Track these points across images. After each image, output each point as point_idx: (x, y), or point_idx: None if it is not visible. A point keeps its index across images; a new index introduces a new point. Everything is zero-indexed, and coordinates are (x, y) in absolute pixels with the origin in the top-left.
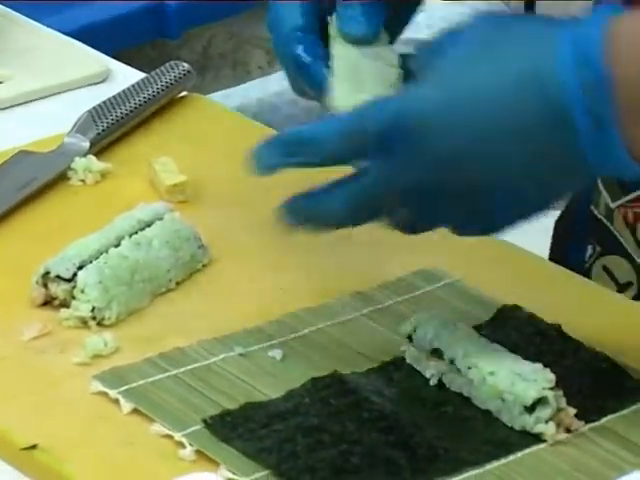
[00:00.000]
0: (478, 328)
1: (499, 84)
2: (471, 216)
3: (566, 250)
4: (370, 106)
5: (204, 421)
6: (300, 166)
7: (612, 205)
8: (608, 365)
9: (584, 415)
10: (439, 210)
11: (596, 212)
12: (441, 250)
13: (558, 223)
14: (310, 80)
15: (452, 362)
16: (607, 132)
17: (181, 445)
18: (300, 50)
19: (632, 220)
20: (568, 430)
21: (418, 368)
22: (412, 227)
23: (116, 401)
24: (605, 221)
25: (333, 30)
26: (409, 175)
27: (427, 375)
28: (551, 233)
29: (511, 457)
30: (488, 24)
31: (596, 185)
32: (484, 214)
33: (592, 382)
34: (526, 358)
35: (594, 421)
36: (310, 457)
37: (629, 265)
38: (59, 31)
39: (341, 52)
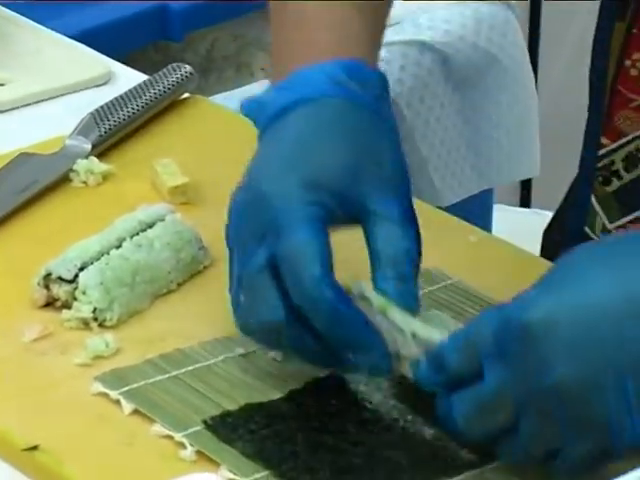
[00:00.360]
0: None
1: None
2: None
3: None
4: (485, 313)
5: (204, 422)
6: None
7: (610, 226)
8: None
9: None
10: (556, 424)
11: (591, 234)
12: (442, 251)
13: (546, 234)
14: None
15: None
16: None
17: (181, 446)
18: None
19: None
20: None
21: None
22: (525, 447)
23: (117, 402)
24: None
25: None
26: (527, 379)
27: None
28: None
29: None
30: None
31: (591, 205)
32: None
33: None
34: None
35: None
36: (310, 457)
37: None
38: (62, 34)
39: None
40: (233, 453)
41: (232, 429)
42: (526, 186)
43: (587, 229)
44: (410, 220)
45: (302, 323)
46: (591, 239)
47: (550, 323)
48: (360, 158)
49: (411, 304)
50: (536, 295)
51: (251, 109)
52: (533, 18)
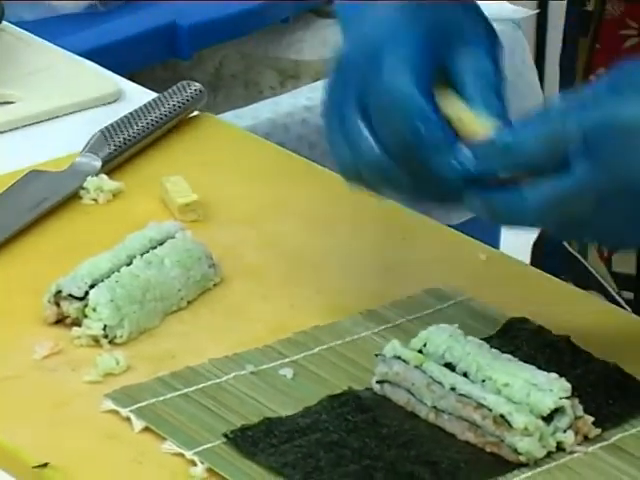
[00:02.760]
0: (487, 340)
1: None
2: None
3: None
4: (570, 109)
5: (225, 435)
6: (503, 172)
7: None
8: (619, 375)
9: (600, 423)
10: (630, 220)
11: (570, 248)
12: (451, 268)
13: (535, 248)
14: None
15: (465, 375)
16: None
17: (192, 463)
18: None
19: (607, 254)
20: (586, 438)
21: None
22: (589, 237)
23: (127, 419)
24: (579, 257)
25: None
26: (615, 177)
27: (446, 386)
28: None
29: (523, 475)
30: None
31: None
32: None
33: (605, 391)
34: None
35: (610, 428)
36: (334, 472)
37: (605, 299)
38: (71, 51)
39: None
40: (244, 471)
41: (253, 443)
42: None
43: (565, 243)
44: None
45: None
46: (570, 253)
47: None
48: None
49: (497, 108)
50: (633, 96)
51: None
52: (539, 36)
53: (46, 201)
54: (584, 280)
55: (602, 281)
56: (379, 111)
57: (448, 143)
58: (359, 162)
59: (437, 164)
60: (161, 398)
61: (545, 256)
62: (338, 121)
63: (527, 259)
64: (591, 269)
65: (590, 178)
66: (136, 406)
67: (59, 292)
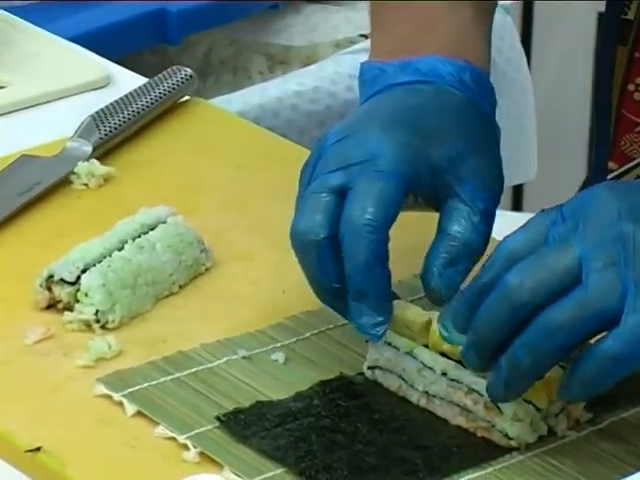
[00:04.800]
0: None
1: None
2: None
3: None
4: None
5: (217, 418)
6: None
7: None
8: None
9: (592, 407)
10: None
11: None
12: None
13: None
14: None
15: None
16: None
17: (185, 447)
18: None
19: None
20: (577, 422)
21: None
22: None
23: (120, 404)
24: None
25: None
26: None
27: (437, 371)
28: None
29: (514, 460)
30: None
31: None
32: None
33: None
34: None
35: (601, 412)
36: (327, 456)
37: None
38: (61, 36)
39: None
40: (236, 455)
41: (245, 426)
42: (518, 190)
43: None
44: (488, 220)
45: (333, 251)
46: None
47: None
48: (467, 146)
49: (443, 291)
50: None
51: (371, 74)
52: (525, 21)
53: (37, 186)
54: None
55: None
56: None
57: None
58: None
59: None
60: (153, 382)
61: None
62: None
63: None
64: None
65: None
66: (128, 390)
67: (51, 277)
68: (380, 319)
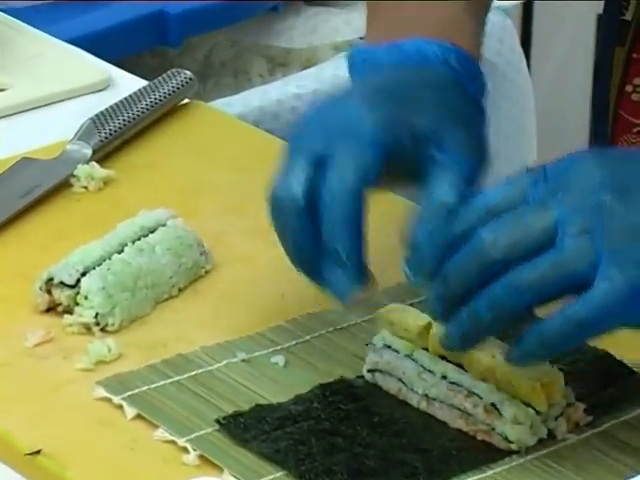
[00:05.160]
0: None
1: None
2: None
3: None
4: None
5: (217, 421)
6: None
7: None
8: (610, 361)
9: (592, 410)
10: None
11: None
12: None
13: None
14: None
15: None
16: None
17: (184, 450)
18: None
19: None
20: (577, 425)
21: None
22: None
23: (120, 407)
24: None
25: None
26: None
27: (437, 374)
28: None
29: (514, 463)
30: None
31: None
32: None
33: (596, 378)
34: None
35: (601, 415)
36: (326, 459)
37: None
38: (61, 39)
39: None
40: (236, 458)
41: (245, 429)
42: None
43: None
44: (472, 188)
45: (310, 218)
46: None
47: None
48: (449, 118)
49: (427, 254)
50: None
51: (359, 58)
52: (525, 22)
53: (37, 189)
54: None
55: None
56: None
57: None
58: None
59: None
60: (153, 385)
61: None
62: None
63: None
64: None
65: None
66: (128, 393)
67: (50, 280)
68: (353, 279)
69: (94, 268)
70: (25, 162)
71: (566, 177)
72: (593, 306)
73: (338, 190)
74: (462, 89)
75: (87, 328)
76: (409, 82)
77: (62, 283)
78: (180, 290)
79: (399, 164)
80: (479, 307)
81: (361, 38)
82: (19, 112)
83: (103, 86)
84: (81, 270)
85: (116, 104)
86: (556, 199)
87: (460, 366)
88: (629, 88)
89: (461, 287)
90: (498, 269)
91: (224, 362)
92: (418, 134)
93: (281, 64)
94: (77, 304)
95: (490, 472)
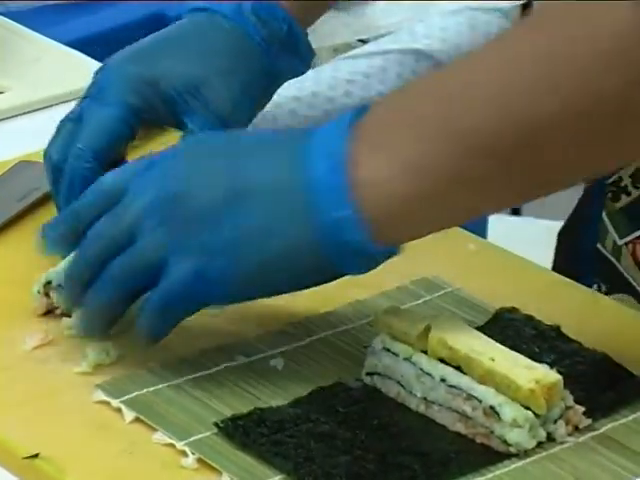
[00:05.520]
0: (477, 330)
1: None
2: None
3: None
4: None
5: (216, 425)
6: None
7: (620, 242)
8: (609, 364)
9: (591, 413)
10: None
11: (603, 250)
12: (441, 259)
13: (562, 237)
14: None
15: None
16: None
17: (183, 454)
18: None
19: None
20: (576, 428)
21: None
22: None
23: (118, 410)
24: (612, 259)
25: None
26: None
27: (436, 377)
28: (551, 243)
29: (513, 466)
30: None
31: (603, 222)
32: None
33: (595, 381)
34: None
35: (600, 418)
36: (325, 463)
37: (636, 303)
38: (60, 41)
39: None
40: (234, 462)
41: (244, 433)
42: None
43: (599, 245)
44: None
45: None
46: (604, 256)
47: None
48: (205, 76)
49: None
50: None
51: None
52: None
53: (35, 192)
54: (617, 283)
55: (635, 285)
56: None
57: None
58: None
59: None
60: (152, 389)
61: (578, 261)
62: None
63: (514, 248)
64: (624, 272)
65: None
66: (127, 397)
67: (48, 283)
68: (58, 231)
69: None
70: (23, 165)
71: (161, 167)
72: (167, 291)
73: (74, 152)
74: (243, 40)
75: None
76: (175, 37)
77: (60, 286)
78: None
79: (152, 124)
80: (89, 297)
81: (360, 40)
82: (18, 115)
83: None
84: None
85: None
86: (144, 192)
87: (459, 369)
88: None
89: (80, 277)
90: (100, 264)
91: (223, 365)
92: (167, 96)
93: None
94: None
95: (489, 475)
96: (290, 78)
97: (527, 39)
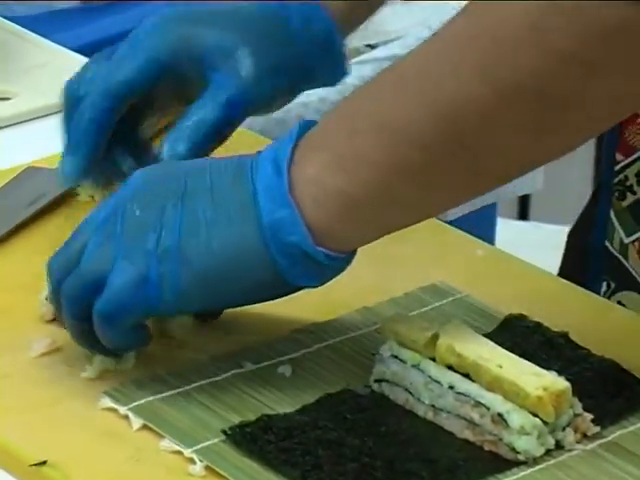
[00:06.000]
0: (485, 337)
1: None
2: None
3: (580, 285)
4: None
5: (223, 432)
6: None
7: (626, 240)
8: (618, 371)
9: (599, 420)
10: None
11: (611, 248)
12: (449, 265)
13: (571, 236)
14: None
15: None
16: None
17: (191, 461)
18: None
19: None
20: (585, 435)
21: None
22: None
23: (125, 417)
24: (619, 257)
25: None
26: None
27: (444, 385)
28: (559, 250)
29: (522, 473)
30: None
31: (610, 221)
32: None
33: (603, 388)
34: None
35: (608, 425)
36: (333, 470)
37: None
38: (67, 47)
39: None
40: (242, 469)
41: (251, 440)
42: (524, 199)
43: (607, 243)
44: (230, 110)
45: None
46: (612, 254)
47: None
48: (235, 41)
49: (176, 148)
50: None
51: None
52: None
53: (43, 198)
54: (625, 281)
55: None
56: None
57: None
58: None
59: None
60: (159, 396)
61: (587, 259)
62: None
63: (522, 253)
64: (631, 270)
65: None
66: (134, 404)
67: None
68: (77, 163)
69: None
70: (31, 171)
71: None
72: (108, 299)
73: (96, 87)
74: (277, 19)
75: None
76: (215, 10)
77: None
78: None
79: (176, 77)
80: (61, 314)
81: (368, 46)
82: (25, 121)
83: None
84: None
85: None
86: (94, 219)
87: (467, 376)
88: None
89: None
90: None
91: (231, 372)
92: (195, 51)
93: None
94: None
95: None
96: (321, 83)
97: (453, 28)
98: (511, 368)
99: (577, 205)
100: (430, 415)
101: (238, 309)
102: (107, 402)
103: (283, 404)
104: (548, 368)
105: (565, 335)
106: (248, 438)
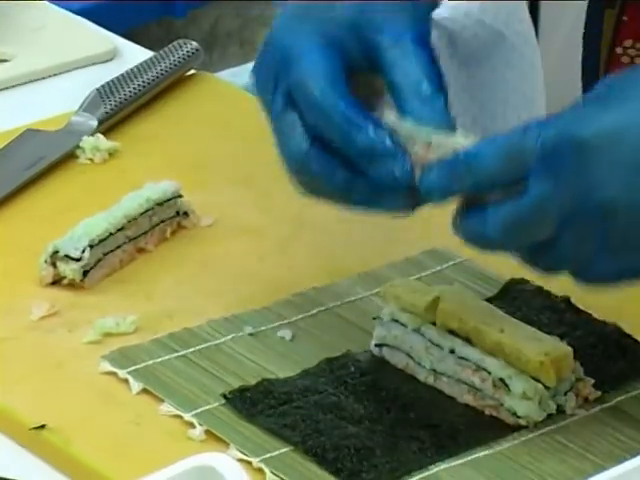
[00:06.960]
0: (487, 302)
1: None
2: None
3: None
4: (532, 124)
5: (223, 396)
6: (464, 192)
7: None
8: (620, 336)
9: (601, 385)
10: (593, 241)
11: None
12: (449, 231)
13: None
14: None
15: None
16: None
17: (190, 425)
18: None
19: None
20: (586, 400)
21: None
22: (557, 261)
23: (125, 381)
24: None
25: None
26: (574, 194)
27: (445, 349)
28: None
29: (523, 438)
30: None
31: None
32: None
33: (605, 352)
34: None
35: (610, 390)
36: (333, 434)
37: None
38: (66, 9)
39: None
40: (242, 433)
41: (252, 404)
42: None
43: None
44: (424, 45)
45: (326, 150)
46: None
47: (614, 141)
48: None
49: (441, 119)
50: (595, 111)
51: None
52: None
53: (42, 161)
54: None
55: None
56: (306, 110)
57: (391, 152)
58: (289, 157)
59: (378, 173)
60: (159, 360)
61: None
62: (269, 108)
63: None
64: None
65: (548, 196)
66: (134, 368)
67: (56, 253)
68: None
69: (100, 241)
70: (30, 134)
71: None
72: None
73: (324, 104)
74: None
75: None
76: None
77: (67, 256)
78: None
79: (355, 59)
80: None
81: None
82: (23, 83)
83: (109, 57)
84: (86, 243)
85: (122, 75)
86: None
87: (468, 341)
88: (619, 50)
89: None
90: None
91: (230, 336)
92: (350, 25)
93: None
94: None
95: (498, 448)
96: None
97: None
98: (512, 333)
99: None
100: (431, 380)
101: (237, 274)
102: (106, 366)
103: (283, 368)
104: (550, 333)
105: (567, 300)
106: (248, 402)
